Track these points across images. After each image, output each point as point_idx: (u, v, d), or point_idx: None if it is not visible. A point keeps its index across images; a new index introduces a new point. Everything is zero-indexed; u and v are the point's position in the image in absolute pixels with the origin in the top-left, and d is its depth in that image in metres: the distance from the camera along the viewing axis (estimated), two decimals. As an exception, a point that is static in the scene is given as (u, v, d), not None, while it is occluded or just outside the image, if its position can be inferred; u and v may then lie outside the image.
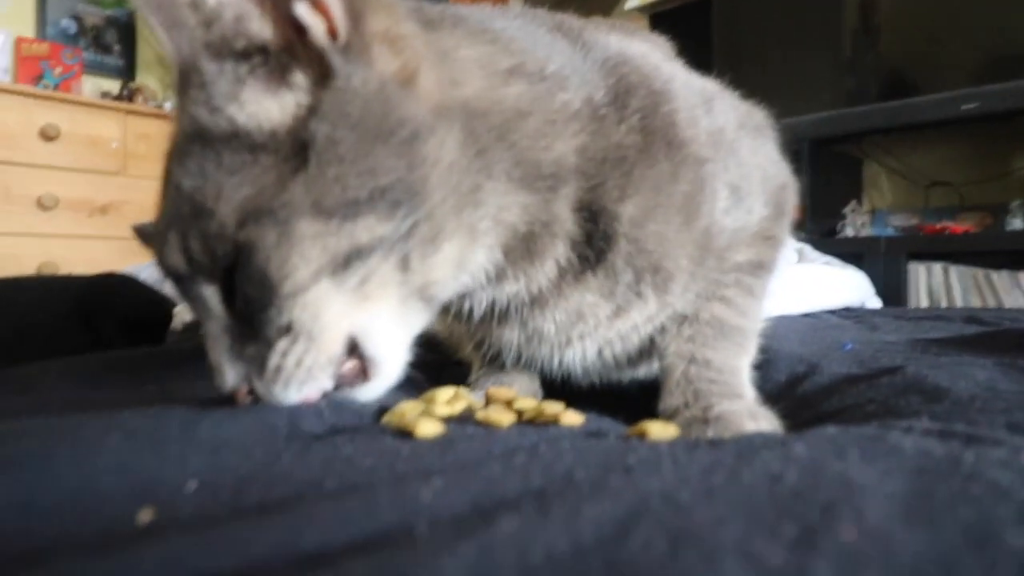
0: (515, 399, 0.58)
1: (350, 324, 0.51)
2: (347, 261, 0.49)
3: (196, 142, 0.48)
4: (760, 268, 0.70)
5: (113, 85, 3.56)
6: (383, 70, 0.50)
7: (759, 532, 0.27)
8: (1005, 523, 0.28)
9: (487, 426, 0.52)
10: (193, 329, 1.24)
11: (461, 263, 0.55)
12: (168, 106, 3.47)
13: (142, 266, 1.72)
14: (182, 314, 1.32)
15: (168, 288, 1.55)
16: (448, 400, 0.58)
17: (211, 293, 0.50)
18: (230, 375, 0.50)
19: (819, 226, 2.50)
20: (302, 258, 0.48)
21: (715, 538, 0.27)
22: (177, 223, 0.49)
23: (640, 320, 0.64)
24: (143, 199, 3.26)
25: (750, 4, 2.74)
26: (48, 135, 3.05)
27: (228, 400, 0.51)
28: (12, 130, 2.97)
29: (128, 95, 3.48)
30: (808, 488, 0.32)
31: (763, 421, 0.58)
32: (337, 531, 0.30)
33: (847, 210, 2.54)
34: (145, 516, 0.33)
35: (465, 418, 0.55)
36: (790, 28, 2.65)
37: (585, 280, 0.61)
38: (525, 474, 0.37)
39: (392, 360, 0.54)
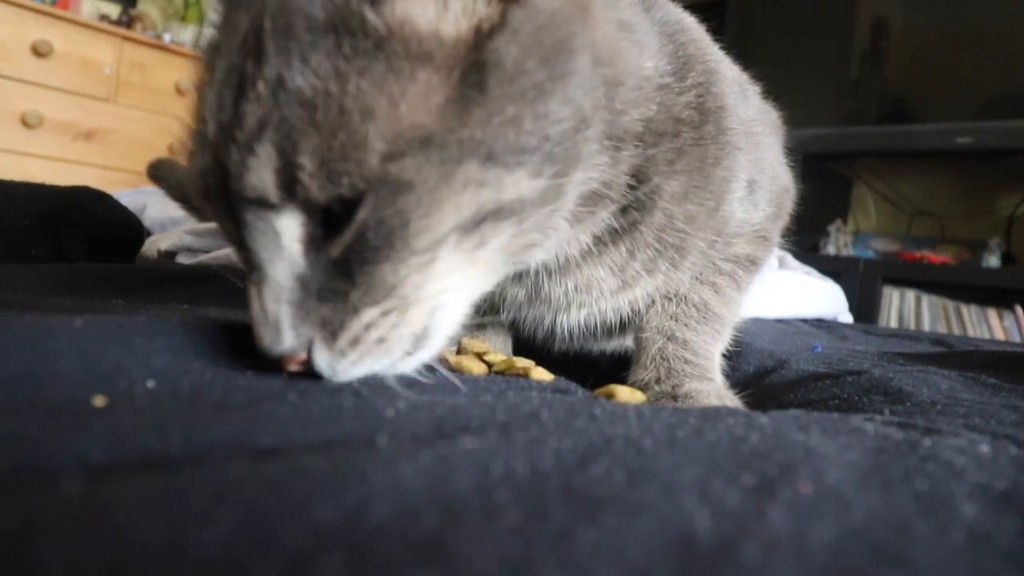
0: (487, 352, 0.58)
1: (441, 294, 0.43)
2: (482, 220, 0.41)
3: (330, 33, 0.38)
4: (752, 264, 0.72)
5: (113, 9, 3.47)
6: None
7: (719, 478, 0.27)
8: (958, 497, 0.28)
9: (457, 372, 0.52)
10: (168, 258, 1.22)
11: (555, 226, 0.50)
12: (167, 38, 3.38)
13: (122, 193, 1.69)
14: (156, 242, 1.30)
15: (153, 212, 1.51)
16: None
17: (291, 228, 0.40)
18: (289, 336, 0.40)
19: (802, 240, 2.52)
20: (454, 208, 0.40)
21: (674, 477, 0.27)
22: (276, 131, 0.37)
23: (641, 295, 0.64)
24: (131, 129, 3.19)
25: (764, 12, 2.74)
26: (40, 51, 2.96)
27: (204, 316, 0.50)
28: (3, 41, 2.88)
29: (127, 21, 3.39)
30: (769, 449, 0.32)
31: (729, 403, 0.59)
32: (296, 433, 0.30)
33: (831, 228, 2.56)
34: (99, 402, 0.32)
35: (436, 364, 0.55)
36: (801, 42, 2.66)
37: (607, 251, 0.59)
38: (491, 409, 0.36)
39: (445, 335, 0.45)
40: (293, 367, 0.41)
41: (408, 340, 0.42)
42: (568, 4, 0.44)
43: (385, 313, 0.41)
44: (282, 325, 0.40)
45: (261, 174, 0.38)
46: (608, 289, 0.62)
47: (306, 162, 0.37)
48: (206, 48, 0.45)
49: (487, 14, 0.41)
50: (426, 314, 0.43)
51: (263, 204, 0.39)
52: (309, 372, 0.41)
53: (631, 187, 0.56)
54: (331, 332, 0.40)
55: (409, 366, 0.44)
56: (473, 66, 0.40)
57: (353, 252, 0.39)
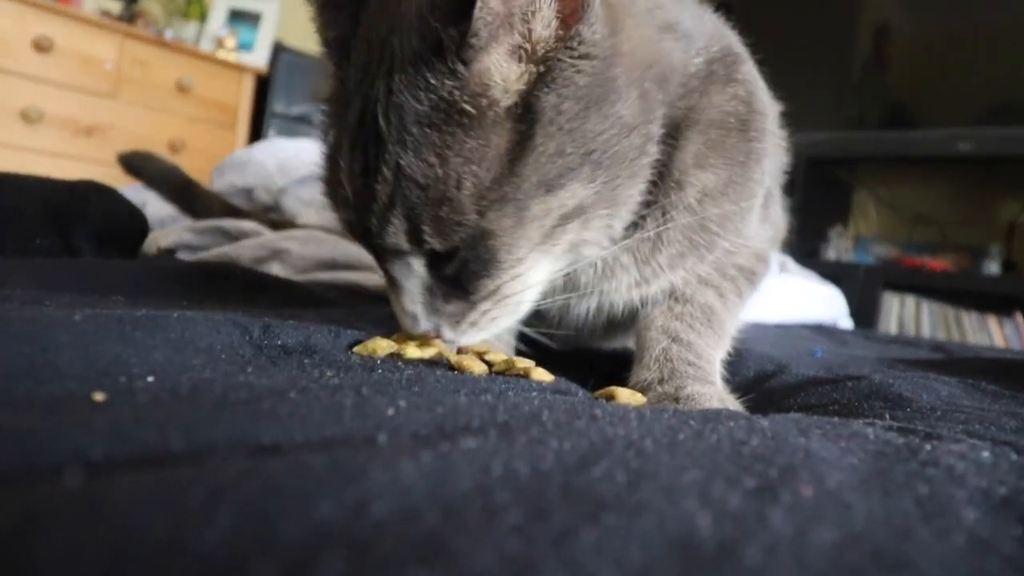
0: (488, 351, 0.58)
1: (534, 278, 0.55)
2: (553, 230, 0.51)
3: (434, 128, 0.47)
4: (753, 276, 0.73)
5: (114, 5, 3.46)
6: (602, 22, 0.50)
7: (720, 480, 0.27)
8: (959, 502, 0.28)
9: (458, 370, 0.52)
10: (169, 253, 1.22)
11: (614, 223, 0.56)
12: (169, 34, 3.38)
13: (122, 190, 1.68)
14: (157, 239, 1.30)
15: (153, 208, 1.52)
16: (420, 343, 0.57)
17: (418, 261, 0.52)
18: (424, 322, 0.54)
19: (803, 246, 2.52)
20: (527, 239, 0.50)
21: (675, 480, 0.27)
22: (402, 206, 0.48)
23: (655, 291, 0.66)
24: (131, 125, 3.19)
25: (769, 16, 2.74)
26: (41, 46, 2.95)
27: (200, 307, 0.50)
28: (4, 36, 2.87)
29: (129, 17, 3.38)
30: (770, 453, 0.32)
31: (730, 407, 0.58)
32: (296, 431, 0.29)
33: (832, 233, 2.57)
34: (99, 397, 0.32)
35: (436, 361, 0.55)
36: (804, 46, 2.66)
37: (634, 236, 0.61)
38: (492, 409, 0.36)
39: (533, 300, 0.58)
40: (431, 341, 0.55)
41: (511, 311, 0.56)
42: (605, 39, 0.50)
43: (497, 302, 0.54)
44: (419, 318, 0.54)
45: (396, 235, 0.50)
46: (626, 282, 0.64)
47: (427, 228, 0.49)
48: (324, 112, 0.57)
49: (532, 70, 0.48)
50: (524, 294, 0.56)
51: (399, 251, 0.52)
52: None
53: (670, 183, 0.59)
54: (455, 321, 0.54)
55: (511, 321, 0.58)
56: (523, 120, 0.48)
57: (460, 273, 0.52)
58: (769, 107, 0.65)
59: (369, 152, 0.49)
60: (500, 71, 0.48)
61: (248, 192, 1.69)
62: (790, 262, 1.65)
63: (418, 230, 0.49)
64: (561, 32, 0.48)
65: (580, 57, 0.48)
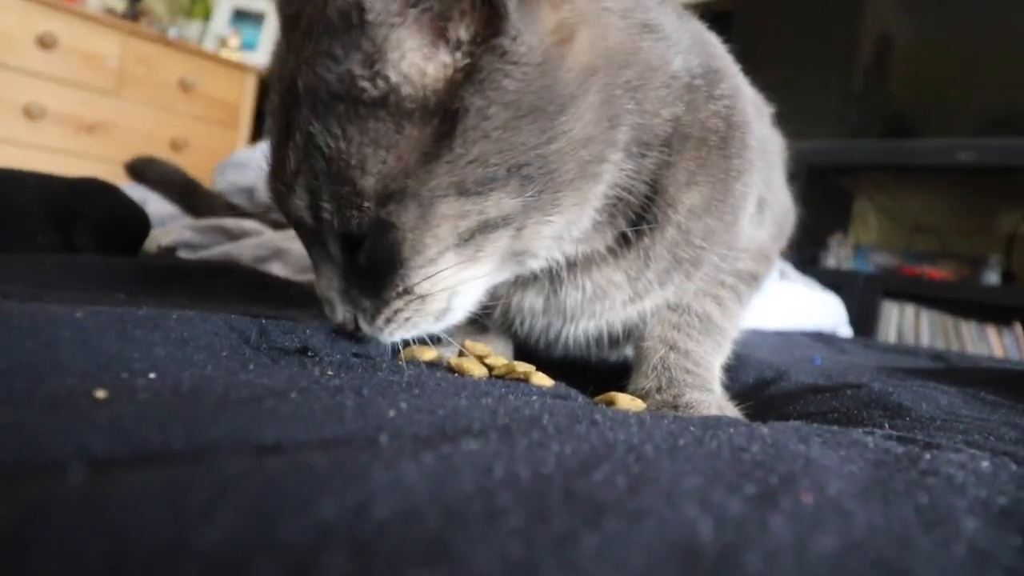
0: (488, 355, 0.58)
1: (455, 285, 0.52)
2: (471, 235, 0.49)
3: (342, 101, 0.45)
4: (754, 280, 0.72)
5: (118, 2, 3.47)
6: (545, 29, 0.47)
7: (720, 486, 0.27)
8: (959, 511, 0.28)
9: (458, 373, 0.52)
10: (169, 251, 1.22)
11: (563, 234, 0.54)
12: (172, 33, 3.39)
13: (123, 188, 1.68)
14: (157, 238, 1.30)
15: (154, 206, 1.52)
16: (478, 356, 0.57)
17: (333, 243, 0.50)
18: (339, 312, 0.52)
19: (802, 253, 2.53)
20: (435, 239, 0.48)
21: (676, 485, 0.27)
22: (308, 177, 0.47)
23: (650, 306, 0.64)
24: (134, 123, 3.19)
25: (771, 25, 2.75)
26: (45, 43, 2.96)
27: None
28: (8, 32, 2.87)
29: (133, 15, 3.39)
30: (770, 459, 0.32)
31: (729, 414, 0.59)
32: (298, 430, 0.30)
33: (832, 241, 2.57)
34: (100, 394, 0.32)
35: (436, 364, 0.55)
36: (806, 55, 2.66)
37: (624, 255, 0.60)
38: (492, 412, 0.36)
39: (465, 310, 0.56)
40: (348, 330, 0.53)
41: (431, 316, 0.53)
42: (546, 49, 0.46)
43: (408, 303, 0.51)
44: (334, 305, 0.52)
45: (299, 206, 0.49)
46: (620, 299, 0.62)
47: (326, 204, 0.47)
48: (271, 74, 0.53)
49: (461, 64, 0.46)
50: (444, 300, 0.52)
51: (307, 227, 0.50)
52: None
53: (647, 197, 0.57)
54: (369, 315, 0.52)
55: (437, 328, 0.54)
56: (444, 115, 0.45)
57: (371, 265, 0.49)
58: (751, 116, 0.63)
59: (290, 117, 0.48)
60: (413, 60, 0.45)
61: (250, 191, 1.69)
62: (790, 269, 1.65)
63: (318, 205, 0.47)
64: (480, 39, 0.46)
65: (509, 63, 0.45)
